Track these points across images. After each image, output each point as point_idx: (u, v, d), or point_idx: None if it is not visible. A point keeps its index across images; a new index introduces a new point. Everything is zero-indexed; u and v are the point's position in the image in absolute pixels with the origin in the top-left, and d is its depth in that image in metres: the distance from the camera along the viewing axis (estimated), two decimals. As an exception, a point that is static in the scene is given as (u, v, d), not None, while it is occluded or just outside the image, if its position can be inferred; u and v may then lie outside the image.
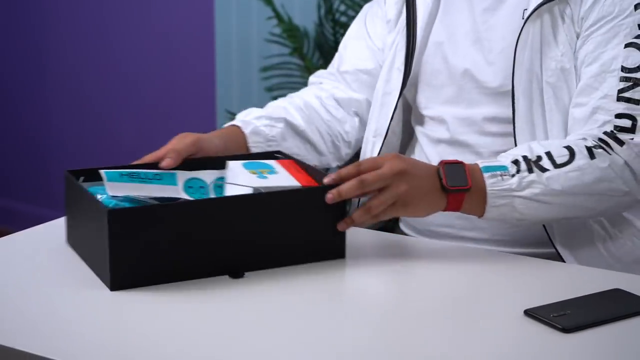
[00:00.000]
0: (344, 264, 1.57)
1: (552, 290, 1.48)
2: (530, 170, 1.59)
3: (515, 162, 1.59)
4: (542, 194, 1.59)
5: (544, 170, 1.59)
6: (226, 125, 1.85)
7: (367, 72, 1.91)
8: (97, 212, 1.45)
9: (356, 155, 1.95)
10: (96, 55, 3.85)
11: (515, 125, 1.70)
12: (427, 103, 1.85)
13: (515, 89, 1.70)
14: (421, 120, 1.87)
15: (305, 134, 1.88)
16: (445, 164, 1.57)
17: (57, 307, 1.40)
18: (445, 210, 1.58)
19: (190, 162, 1.64)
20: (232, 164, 1.62)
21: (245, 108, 1.89)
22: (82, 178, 1.58)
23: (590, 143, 1.62)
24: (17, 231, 1.67)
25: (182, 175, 1.58)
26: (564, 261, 1.68)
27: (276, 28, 3.17)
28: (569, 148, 1.61)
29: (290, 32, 3.08)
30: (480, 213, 1.59)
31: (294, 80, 3.14)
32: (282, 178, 1.60)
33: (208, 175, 1.60)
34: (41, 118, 4.04)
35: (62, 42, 3.91)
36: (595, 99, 1.66)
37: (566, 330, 1.32)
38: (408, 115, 1.92)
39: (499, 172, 1.58)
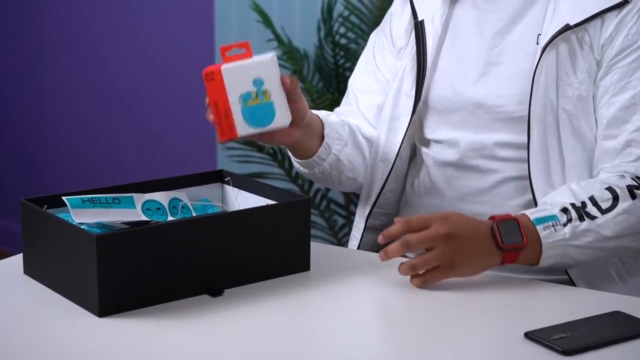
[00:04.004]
0: (323, 278, 1.59)
1: (552, 313, 1.47)
2: (581, 218, 1.59)
3: (564, 210, 1.59)
4: (596, 241, 1.60)
5: (592, 217, 1.59)
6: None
7: (379, 107, 1.89)
8: (80, 239, 1.44)
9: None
10: (95, 75, 3.86)
11: (530, 152, 1.70)
12: (436, 128, 1.83)
13: (530, 116, 1.69)
14: (427, 142, 1.86)
15: (361, 147, 1.88)
16: (498, 221, 1.57)
17: (49, 337, 1.39)
18: (500, 265, 1.57)
19: (144, 185, 1.66)
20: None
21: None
22: (45, 206, 1.57)
23: (630, 182, 1.63)
24: (16, 252, 1.67)
25: (139, 198, 1.59)
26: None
27: (276, 50, 3.18)
28: (611, 190, 1.61)
29: (290, 54, 3.09)
30: (535, 263, 1.59)
31: (294, 102, 3.14)
32: None
33: (163, 197, 1.63)
34: (39, 138, 4.04)
35: (59, 61, 3.92)
36: (628, 132, 1.67)
37: (566, 352, 1.32)
38: (414, 138, 1.90)
39: (550, 223, 1.58)
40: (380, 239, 1.56)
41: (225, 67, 1.57)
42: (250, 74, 1.58)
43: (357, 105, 1.92)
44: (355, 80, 1.95)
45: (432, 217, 1.56)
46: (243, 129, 1.59)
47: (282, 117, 1.61)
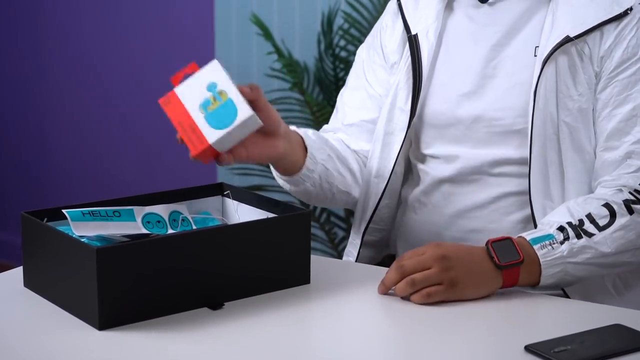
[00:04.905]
0: (324, 291, 1.59)
1: (552, 326, 1.47)
2: (579, 236, 1.59)
3: (561, 229, 1.59)
4: (594, 257, 1.60)
5: (590, 235, 1.60)
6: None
7: (373, 122, 1.87)
8: (80, 252, 1.44)
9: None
10: (95, 88, 3.86)
11: (531, 165, 1.69)
12: (432, 143, 1.82)
13: (533, 129, 1.69)
14: (423, 158, 1.85)
15: (347, 161, 1.87)
16: (492, 242, 1.57)
17: (49, 350, 1.38)
18: (502, 287, 1.57)
19: (144, 197, 1.66)
20: None
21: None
22: (45, 219, 1.57)
23: (627, 196, 1.63)
24: (17, 265, 1.67)
25: (139, 211, 1.59)
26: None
27: (276, 63, 3.18)
28: (608, 206, 1.62)
29: (290, 67, 3.09)
30: (536, 283, 1.59)
31: (294, 115, 3.15)
32: None
33: (164, 210, 1.63)
34: (40, 151, 4.04)
35: (59, 74, 3.92)
36: (628, 144, 1.67)
37: (567, 365, 1.32)
38: (409, 154, 1.89)
39: (547, 242, 1.58)
40: (381, 289, 1.56)
41: (177, 88, 1.59)
42: (201, 84, 1.59)
43: (348, 120, 1.90)
44: (346, 97, 1.93)
45: (424, 246, 1.57)
46: (211, 134, 1.56)
47: (244, 111, 1.57)
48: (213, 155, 1.58)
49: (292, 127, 1.80)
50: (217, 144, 1.56)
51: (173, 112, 1.57)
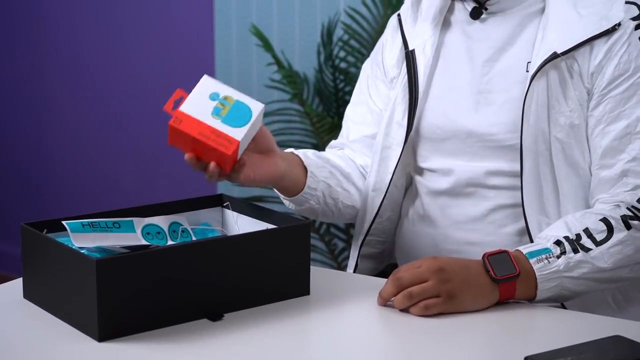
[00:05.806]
0: (326, 303, 1.59)
1: (552, 337, 1.47)
2: (575, 251, 1.59)
3: (558, 243, 1.60)
4: (591, 272, 1.60)
5: (587, 250, 1.60)
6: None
7: (374, 137, 1.89)
8: (80, 263, 1.44)
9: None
10: (95, 100, 3.86)
11: (523, 180, 1.70)
12: (428, 156, 1.83)
13: (522, 144, 1.69)
14: (421, 171, 1.85)
15: (350, 176, 1.89)
16: (489, 255, 1.57)
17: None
18: (499, 300, 1.57)
19: (144, 209, 1.66)
20: None
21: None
22: (45, 230, 1.57)
23: (625, 211, 1.63)
24: (16, 276, 1.67)
25: (139, 222, 1.60)
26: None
27: (276, 74, 3.19)
28: (605, 221, 1.62)
29: (290, 78, 3.10)
30: (532, 297, 1.59)
31: (293, 126, 3.16)
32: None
33: (163, 221, 1.63)
34: (39, 162, 4.04)
35: (59, 85, 3.93)
36: (623, 162, 1.67)
37: (566, 377, 1.32)
38: (409, 167, 1.89)
39: (544, 256, 1.58)
40: (379, 302, 1.57)
41: (181, 107, 1.61)
42: (202, 97, 1.62)
43: (352, 136, 1.92)
44: (350, 112, 1.96)
45: (421, 259, 1.57)
46: (237, 133, 1.60)
47: (256, 104, 1.63)
48: (232, 161, 1.61)
49: (289, 150, 1.83)
50: (244, 140, 1.61)
51: (189, 127, 1.60)
